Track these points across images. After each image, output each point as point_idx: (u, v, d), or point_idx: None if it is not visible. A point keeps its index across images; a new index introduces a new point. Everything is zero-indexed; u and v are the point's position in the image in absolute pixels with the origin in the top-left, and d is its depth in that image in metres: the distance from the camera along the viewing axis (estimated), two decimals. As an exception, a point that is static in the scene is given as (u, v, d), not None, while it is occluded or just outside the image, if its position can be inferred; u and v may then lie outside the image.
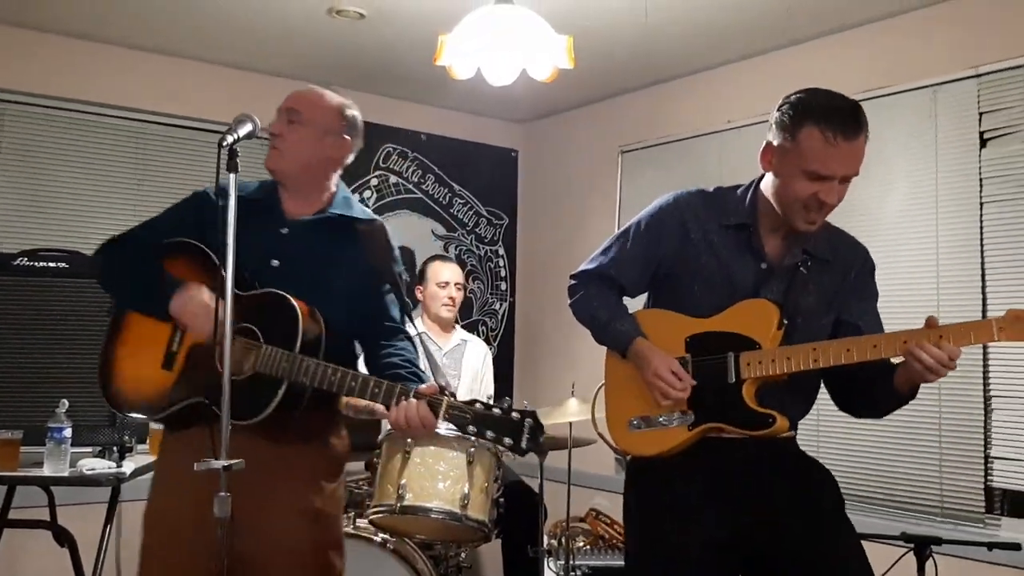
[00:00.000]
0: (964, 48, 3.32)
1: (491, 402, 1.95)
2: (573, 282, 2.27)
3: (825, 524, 2.04)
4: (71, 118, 4.10)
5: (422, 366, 2.25)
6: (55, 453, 2.96)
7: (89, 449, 3.24)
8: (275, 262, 2.16)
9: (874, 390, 2.05)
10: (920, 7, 3.45)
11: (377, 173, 4.87)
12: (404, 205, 4.95)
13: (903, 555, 2.63)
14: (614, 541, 3.94)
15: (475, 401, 1.94)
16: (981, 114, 3.27)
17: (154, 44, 4.15)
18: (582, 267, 2.26)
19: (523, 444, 1.89)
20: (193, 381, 2.08)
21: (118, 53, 4.15)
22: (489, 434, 1.91)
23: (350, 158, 2.31)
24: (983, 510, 3.18)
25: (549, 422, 3.46)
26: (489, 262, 5.28)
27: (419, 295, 4.12)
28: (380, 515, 3.01)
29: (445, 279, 4.04)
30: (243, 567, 2.01)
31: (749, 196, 2.11)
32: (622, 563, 3.63)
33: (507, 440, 1.89)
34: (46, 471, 2.96)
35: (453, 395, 1.98)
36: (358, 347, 2.31)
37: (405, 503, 2.94)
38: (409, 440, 3.01)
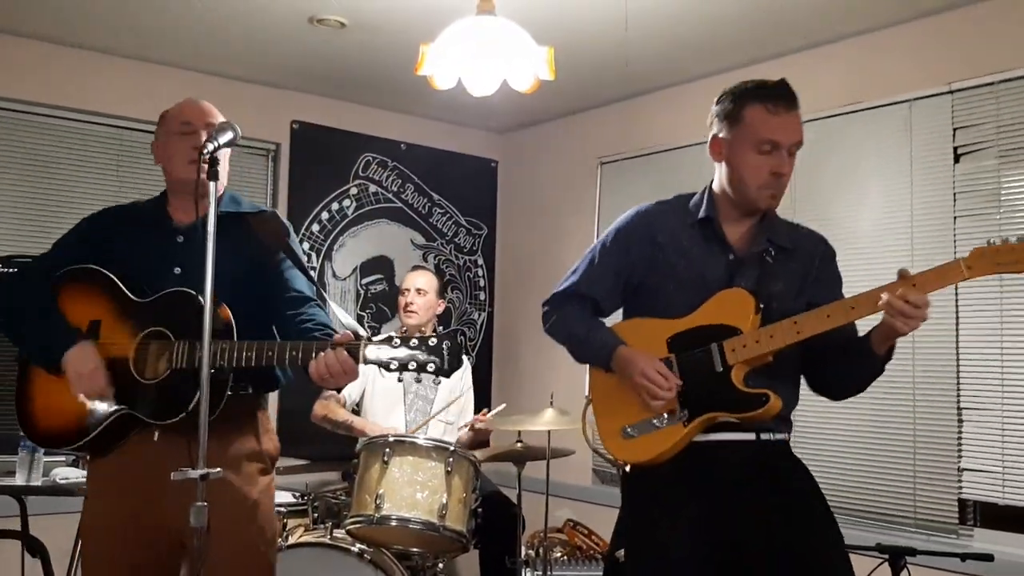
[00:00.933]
0: (938, 64, 3.37)
1: (405, 335, 1.97)
2: (546, 308, 2.31)
3: (816, 531, 2.06)
4: (49, 124, 4.07)
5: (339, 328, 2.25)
6: (27, 462, 2.93)
7: (62, 458, 3.21)
8: (177, 269, 2.20)
9: (851, 359, 2.08)
10: (895, 23, 3.50)
11: (356, 182, 4.86)
12: (383, 214, 4.95)
13: (878, 565, 2.66)
14: (591, 551, 3.94)
15: (391, 336, 1.96)
16: (955, 129, 3.32)
17: (134, 51, 4.13)
18: (553, 291, 2.30)
19: (445, 366, 1.92)
20: (105, 398, 2.11)
21: (97, 59, 4.12)
22: (411, 365, 1.93)
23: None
24: (956, 521, 3.21)
25: (528, 429, 3.47)
26: (468, 272, 5.28)
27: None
28: (358, 525, 2.99)
29: (407, 286, 4.06)
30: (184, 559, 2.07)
31: (706, 195, 2.19)
32: (599, 574, 3.64)
33: (430, 367, 1.93)
34: (18, 480, 2.93)
35: (370, 339, 1.98)
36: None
37: (383, 513, 2.93)
38: (387, 450, 3.00)
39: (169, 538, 2.09)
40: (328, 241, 4.75)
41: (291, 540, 3.14)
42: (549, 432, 3.46)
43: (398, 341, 1.95)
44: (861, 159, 3.59)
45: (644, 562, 2.10)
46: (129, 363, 2.11)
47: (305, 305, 2.28)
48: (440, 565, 3.41)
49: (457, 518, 3.01)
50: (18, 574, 3.32)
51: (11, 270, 2.35)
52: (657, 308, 2.15)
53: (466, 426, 3.99)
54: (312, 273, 2.40)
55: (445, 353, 1.93)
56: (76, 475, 3.03)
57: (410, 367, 1.94)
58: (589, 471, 4.57)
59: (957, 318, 3.25)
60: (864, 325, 2.10)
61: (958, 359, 3.24)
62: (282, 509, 3.30)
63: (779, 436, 2.14)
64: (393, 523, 2.95)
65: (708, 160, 2.22)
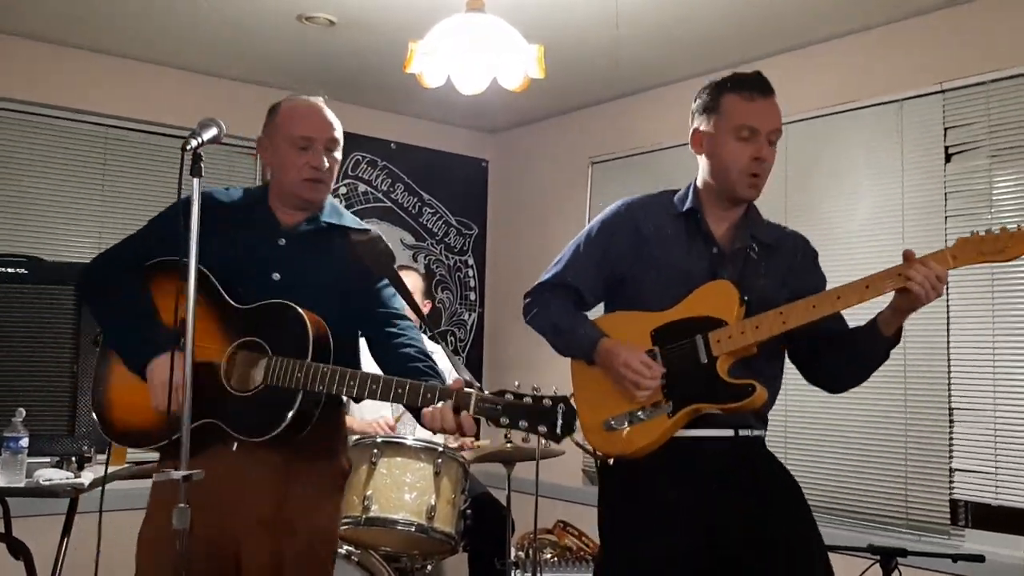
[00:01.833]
0: (929, 64, 3.37)
1: (517, 391, 1.90)
2: (528, 299, 2.29)
3: (793, 521, 2.06)
4: (35, 122, 4.03)
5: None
6: (11, 463, 2.88)
7: (47, 459, 3.16)
8: (276, 275, 2.11)
9: (852, 349, 2.07)
10: (886, 23, 3.50)
11: (346, 181, 4.83)
12: (373, 214, 4.92)
13: (870, 566, 2.65)
14: (582, 553, 3.92)
15: (504, 391, 1.90)
16: (946, 129, 3.31)
17: (120, 48, 4.09)
18: (536, 282, 2.29)
19: (558, 431, 1.84)
20: (198, 403, 1.95)
21: (84, 57, 4.09)
22: (522, 424, 1.85)
23: None
24: (948, 522, 3.21)
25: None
26: (458, 272, 5.26)
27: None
28: (345, 527, 2.97)
29: None
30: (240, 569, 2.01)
31: (691, 189, 2.20)
32: (590, 575, 3.62)
33: (541, 428, 1.84)
34: (1, 481, 2.88)
35: (480, 388, 1.93)
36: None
37: (371, 515, 2.91)
38: (375, 451, 2.98)
39: (231, 553, 2.04)
40: (317, 241, 4.72)
41: (278, 542, 3.11)
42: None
43: (511, 397, 1.88)
44: (852, 159, 3.58)
45: (622, 554, 2.09)
46: (219, 371, 2.01)
47: (401, 322, 2.21)
48: (429, 567, 3.39)
49: (446, 519, 2.98)
50: (1, 577, 3.28)
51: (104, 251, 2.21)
52: (641, 301, 2.14)
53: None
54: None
55: (559, 419, 1.85)
56: (60, 476, 2.99)
57: (520, 426, 1.86)
58: (579, 472, 4.55)
59: (948, 318, 3.24)
60: (855, 319, 2.08)
61: (949, 360, 3.23)
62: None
63: (756, 432, 2.13)
64: (381, 525, 2.92)
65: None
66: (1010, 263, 3.07)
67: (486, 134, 5.39)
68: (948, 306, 3.24)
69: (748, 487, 2.05)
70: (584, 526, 4.03)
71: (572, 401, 2.15)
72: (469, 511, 3.27)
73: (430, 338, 2.24)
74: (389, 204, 4.99)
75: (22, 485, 2.90)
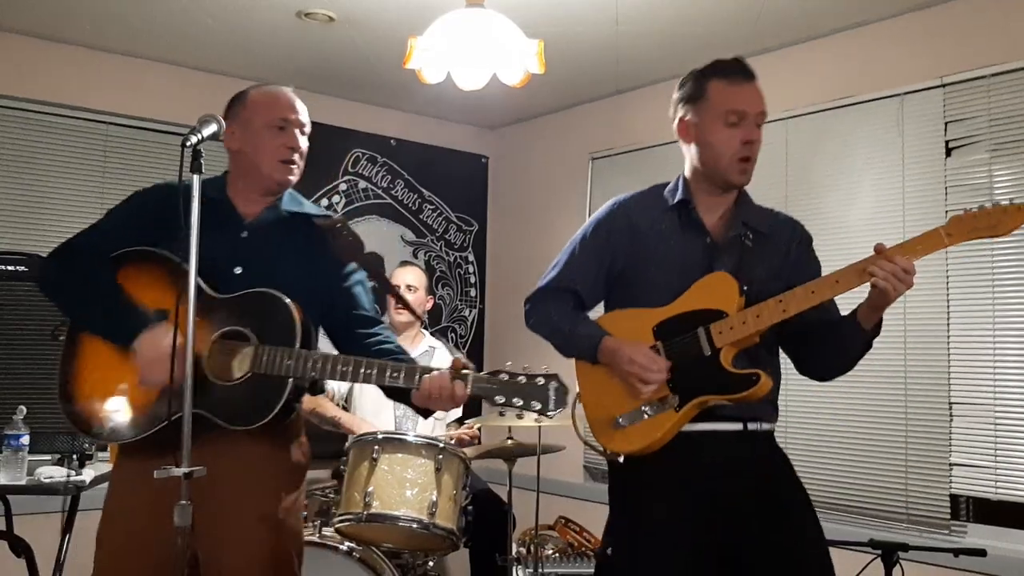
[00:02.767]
0: (930, 58, 3.36)
1: (511, 370, 1.95)
2: (528, 305, 2.30)
3: (799, 525, 2.06)
4: (34, 119, 4.03)
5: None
6: (12, 461, 2.88)
7: (47, 457, 3.16)
8: (238, 269, 2.11)
9: (837, 338, 2.08)
10: (887, 17, 3.49)
11: (346, 178, 4.83)
12: (373, 210, 4.92)
13: (871, 561, 2.65)
14: (583, 548, 3.92)
15: (498, 371, 1.94)
16: (946, 123, 3.31)
17: (119, 45, 4.09)
18: (535, 287, 2.30)
19: (551, 407, 1.91)
20: (180, 394, 1.93)
21: (83, 54, 4.08)
22: (516, 401, 1.91)
23: None
24: (948, 517, 3.20)
25: (518, 425, 3.44)
26: (459, 268, 5.25)
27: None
28: (347, 523, 2.96)
29: (396, 282, 4.01)
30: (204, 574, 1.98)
31: (681, 181, 2.21)
32: (591, 571, 3.62)
33: (535, 405, 1.91)
34: (2, 479, 2.88)
35: (479, 370, 1.97)
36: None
37: (372, 511, 2.90)
38: (376, 447, 2.98)
39: (195, 548, 2.01)
40: (317, 237, 4.72)
41: (280, 539, 3.11)
42: (540, 428, 3.44)
43: (506, 376, 1.93)
44: (853, 153, 3.58)
45: (632, 553, 2.09)
46: (202, 361, 2.00)
47: (377, 326, 2.23)
48: (430, 563, 3.39)
49: (447, 516, 2.98)
50: (2, 574, 3.28)
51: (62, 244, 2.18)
52: (639, 297, 2.15)
53: (456, 428, 3.97)
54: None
55: (551, 395, 1.92)
56: (61, 474, 2.99)
57: (514, 403, 1.92)
58: (580, 467, 4.55)
59: (948, 313, 3.24)
60: (846, 306, 2.08)
61: (949, 354, 3.23)
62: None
63: (766, 426, 2.13)
64: (382, 521, 2.92)
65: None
66: (1010, 263, 3.10)
67: (486, 130, 5.38)
68: (948, 300, 3.24)
69: (756, 488, 2.05)
70: (585, 522, 4.02)
71: (578, 401, 2.17)
72: (470, 507, 3.26)
73: (432, 335, 2.25)
74: (389, 200, 4.98)
75: (23, 483, 2.90)
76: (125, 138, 4.23)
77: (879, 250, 1.94)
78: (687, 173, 2.21)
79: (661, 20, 3.60)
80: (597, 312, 2.28)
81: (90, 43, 4.06)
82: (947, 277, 3.25)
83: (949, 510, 3.20)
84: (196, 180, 1.87)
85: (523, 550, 3.70)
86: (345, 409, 3.91)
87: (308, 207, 2.26)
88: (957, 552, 2.72)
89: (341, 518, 2.98)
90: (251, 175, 2.18)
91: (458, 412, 4.05)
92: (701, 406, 2.03)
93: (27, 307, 3.25)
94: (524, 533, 3.88)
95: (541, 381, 1.92)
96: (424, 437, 3.13)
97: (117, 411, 2.04)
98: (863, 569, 2.62)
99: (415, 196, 5.08)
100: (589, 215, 4.64)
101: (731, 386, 2.00)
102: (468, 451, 3.25)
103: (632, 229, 2.19)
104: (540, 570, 3.53)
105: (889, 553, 2.62)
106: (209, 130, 1.93)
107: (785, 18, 3.55)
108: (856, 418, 3.46)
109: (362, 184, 4.88)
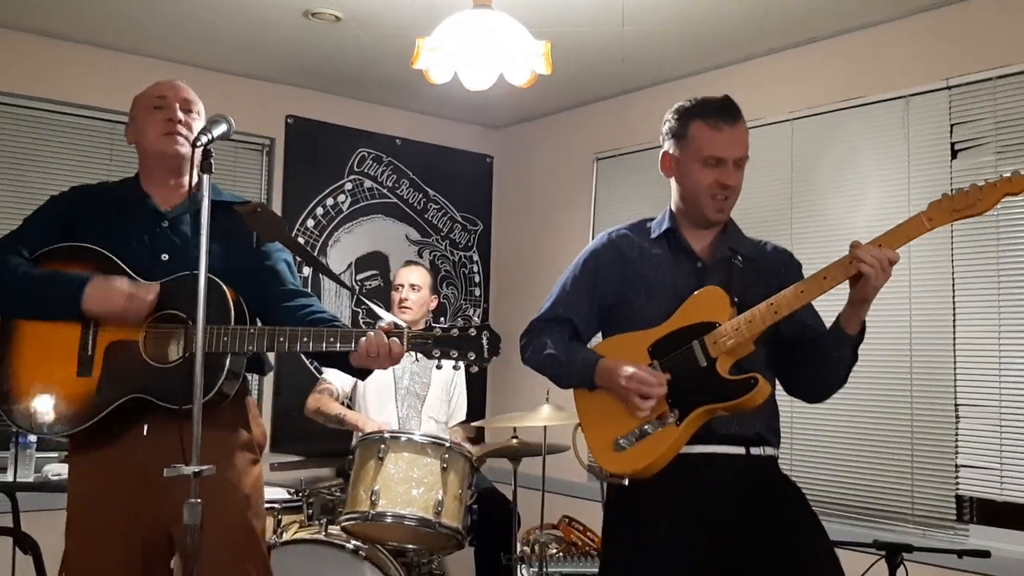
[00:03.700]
0: (936, 60, 3.36)
1: (443, 326, 2.03)
2: (524, 339, 2.32)
3: (808, 547, 2.04)
4: (41, 117, 4.04)
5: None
6: (20, 458, 2.91)
7: (55, 454, 3.19)
8: (165, 256, 2.15)
9: (823, 354, 2.08)
10: (893, 19, 3.49)
11: (351, 177, 4.84)
12: (378, 210, 4.93)
13: (875, 562, 2.65)
14: (587, 548, 3.93)
15: (431, 327, 2.02)
16: (952, 125, 3.31)
17: (126, 44, 4.10)
18: (530, 321, 2.32)
19: (485, 355, 2.01)
20: (121, 380, 2.03)
21: (90, 53, 4.09)
22: (453, 353, 2.01)
23: None
24: (954, 518, 3.21)
25: (523, 425, 3.46)
26: (463, 268, 5.26)
27: (393, 300, 4.11)
28: (353, 522, 2.98)
29: (400, 281, 4.03)
30: (174, 546, 2.06)
31: (667, 213, 2.25)
32: (595, 570, 3.63)
33: (470, 355, 2.01)
34: (10, 476, 2.91)
35: (412, 329, 2.04)
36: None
37: (378, 509, 2.92)
38: (382, 446, 2.99)
39: (159, 534, 2.06)
40: (323, 237, 4.73)
41: (286, 537, 3.12)
42: (545, 428, 3.45)
43: (439, 331, 2.01)
44: (858, 155, 3.58)
45: (633, 571, 2.07)
46: (139, 347, 2.04)
47: (306, 298, 2.27)
48: (435, 562, 3.40)
49: (453, 514, 2.99)
50: (9, 571, 3.30)
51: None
52: (634, 323, 2.16)
53: (460, 430, 4.00)
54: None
55: (484, 344, 2.01)
56: (69, 471, 3.01)
57: (451, 355, 2.01)
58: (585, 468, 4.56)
59: (954, 314, 3.24)
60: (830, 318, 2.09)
61: (955, 355, 3.23)
62: (276, 506, 3.29)
63: (769, 451, 2.13)
64: (388, 520, 2.93)
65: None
66: (1016, 266, 3.10)
67: (491, 130, 5.39)
68: (954, 302, 3.24)
69: (761, 512, 2.03)
70: (589, 521, 4.03)
71: (579, 430, 2.19)
72: (475, 506, 3.27)
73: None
74: (394, 200, 4.99)
75: (31, 480, 2.93)
76: (132, 137, 4.24)
77: (856, 246, 1.96)
78: (672, 206, 2.25)
79: (667, 20, 3.61)
80: (593, 343, 2.30)
81: (97, 42, 4.07)
82: (953, 279, 3.25)
83: (954, 511, 3.20)
84: (206, 180, 1.89)
85: (527, 549, 3.71)
86: (349, 407, 3.92)
87: (225, 196, 2.30)
88: (961, 553, 2.72)
89: (347, 516, 2.99)
90: (147, 160, 2.26)
91: (461, 415, 4.06)
92: (702, 418, 2.03)
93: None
94: (528, 532, 3.89)
95: (474, 332, 2.02)
96: (430, 436, 3.15)
97: (57, 404, 2.04)
98: (867, 570, 2.62)
99: (420, 195, 5.09)
100: (594, 215, 4.70)
101: (729, 393, 2.01)
102: (474, 450, 3.26)
103: (622, 259, 2.22)
104: (544, 569, 3.54)
105: (893, 554, 2.63)
106: (219, 130, 1.94)
107: (790, 19, 3.55)
108: (862, 419, 3.46)
109: (367, 183, 4.89)
